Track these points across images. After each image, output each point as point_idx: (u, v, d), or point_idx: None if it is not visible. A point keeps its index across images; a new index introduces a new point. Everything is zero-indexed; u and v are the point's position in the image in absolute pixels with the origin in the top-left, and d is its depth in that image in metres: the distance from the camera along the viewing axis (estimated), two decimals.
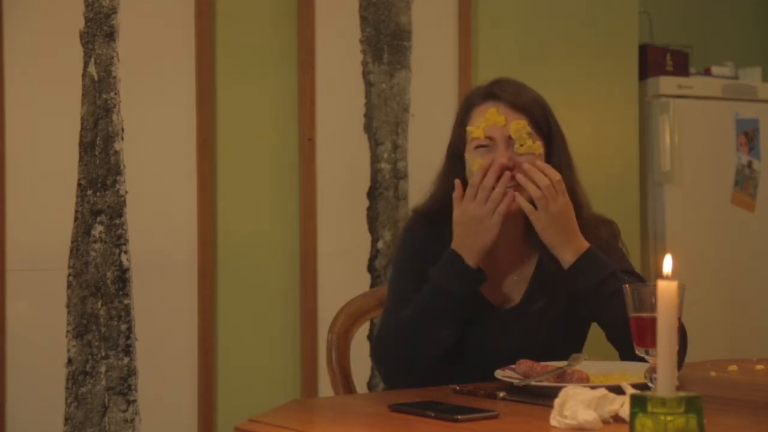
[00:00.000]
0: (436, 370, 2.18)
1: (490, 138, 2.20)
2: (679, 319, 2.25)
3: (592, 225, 2.27)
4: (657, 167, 4.29)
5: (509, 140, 2.19)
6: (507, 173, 2.16)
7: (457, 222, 2.18)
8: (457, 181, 2.19)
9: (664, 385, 1.31)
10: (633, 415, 1.33)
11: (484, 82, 2.32)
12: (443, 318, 2.16)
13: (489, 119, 2.20)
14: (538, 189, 2.15)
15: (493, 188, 2.15)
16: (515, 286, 2.28)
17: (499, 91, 2.23)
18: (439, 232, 2.25)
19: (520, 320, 2.24)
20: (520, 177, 2.17)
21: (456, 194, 2.18)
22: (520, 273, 2.28)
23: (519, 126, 2.19)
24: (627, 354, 2.01)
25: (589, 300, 2.16)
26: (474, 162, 2.21)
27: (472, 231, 2.16)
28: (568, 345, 2.20)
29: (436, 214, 2.28)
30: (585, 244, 2.17)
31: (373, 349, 2.28)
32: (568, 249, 2.17)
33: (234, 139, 3.39)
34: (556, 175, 2.16)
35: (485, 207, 2.15)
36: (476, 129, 2.21)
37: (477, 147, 2.21)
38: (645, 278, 2.32)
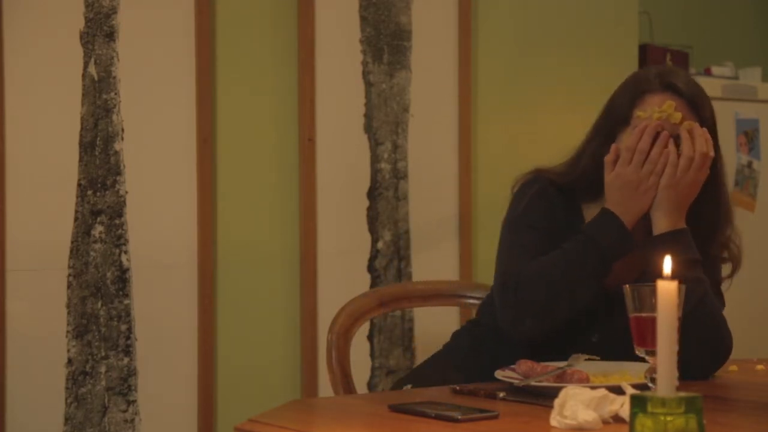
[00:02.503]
0: (545, 342, 2.15)
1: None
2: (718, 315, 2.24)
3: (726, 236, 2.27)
4: None
5: (676, 138, 2.17)
6: (665, 133, 2.15)
7: (611, 186, 2.16)
8: (614, 146, 2.17)
9: (664, 385, 1.31)
10: (633, 415, 1.33)
11: (657, 67, 2.29)
12: (590, 271, 2.13)
13: (665, 111, 2.17)
14: (692, 149, 2.15)
15: (650, 151, 2.14)
16: (627, 266, 2.23)
17: (681, 86, 2.20)
18: (568, 200, 2.25)
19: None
20: (683, 130, 2.16)
21: (610, 157, 2.17)
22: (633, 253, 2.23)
23: (691, 126, 2.18)
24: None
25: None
26: None
27: (628, 195, 2.15)
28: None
29: (568, 183, 2.26)
30: (683, 224, 2.17)
31: (504, 291, 2.16)
32: (668, 218, 2.16)
33: (234, 139, 3.39)
34: (711, 152, 2.16)
35: (642, 171, 2.14)
36: (648, 118, 2.18)
37: None
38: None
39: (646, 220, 2.19)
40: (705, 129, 2.19)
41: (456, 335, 2.51)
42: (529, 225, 2.24)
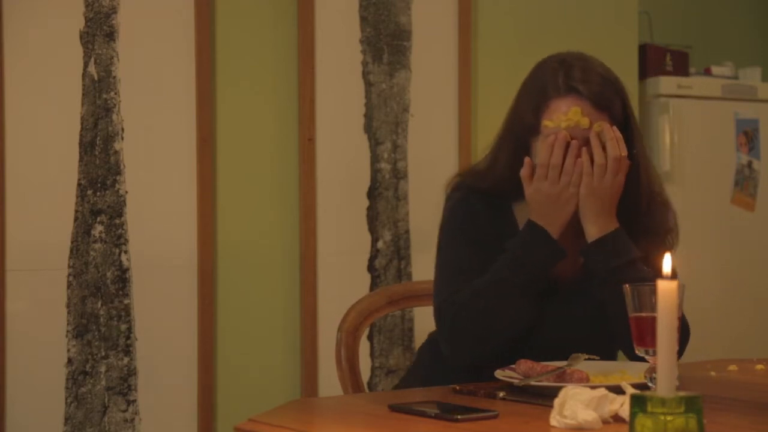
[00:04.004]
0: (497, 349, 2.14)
1: (570, 137, 2.14)
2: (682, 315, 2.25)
3: (661, 211, 2.25)
4: (657, 167, 4.28)
5: (588, 141, 2.15)
6: (574, 142, 2.12)
7: (531, 200, 2.15)
8: (528, 159, 2.15)
9: (664, 385, 1.31)
10: (633, 415, 1.33)
11: (559, 61, 2.21)
12: (523, 290, 2.12)
13: (571, 119, 2.13)
14: (604, 157, 2.13)
15: (563, 164, 2.12)
16: (575, 263, 2.23)
17: (582, 88, 2.15)
18: (497, 208, 2.22)
19: (576, 298, 2.20)
20: (593, 137, 2.13)
21: (525, 173, 2.15)
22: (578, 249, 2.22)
23: (601, 128, 2.14)
24: (628, 351, 2.01)
25: (601, 282, 2.15)
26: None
27: (550, 208, 2.13)
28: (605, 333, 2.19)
29: (492, 191, 2.23)
30: (614, 224, 2.16)
31: (440, 322, 2.17)
32: (596, 225, 2.15)
33: (234, 139, 3.39)
34: (624, 152, 2.14)
35: (559, 184, 2.12)
36: (556, 127, 2.14)
37: None
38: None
39: (574, 221, 2.18)
40: (614, 128, 2.15)
41: (419, 351, 2.47)
42: (458, 242, 2.23)
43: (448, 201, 2.30)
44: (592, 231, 2.16)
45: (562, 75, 2.17)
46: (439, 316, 2.18)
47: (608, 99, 2.17)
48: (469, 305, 2.13)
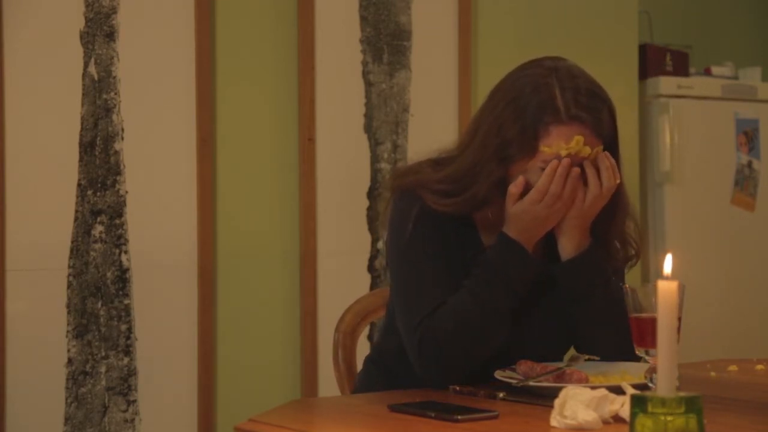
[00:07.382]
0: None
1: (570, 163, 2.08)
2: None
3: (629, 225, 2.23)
4: (657, 167, 4.29)
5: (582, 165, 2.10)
6: (575, 170, 2.07)
7: (516, 218, 2.09)
8: (523, 179, 2.08)
9: (664, 385, 1.32)
10: (633, 415, 1.33)
11: (548, 67, 2.15)
12: (505, 308, 2.09)
13: (573, 148, 2.06)
14: (599, 187, 2.09)
15: (562, 194, 2.07)
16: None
17: (587, 116, 2.06)
18: (461, 221, 2.16)
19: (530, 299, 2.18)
20: (589, 165, 2.09)
21: (516, 190, 2.08)
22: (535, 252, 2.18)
23: (597, 154, 2.09)
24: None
25: (573, 298, 2.14)
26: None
27: (534, 226, 2.10)
28: (563, 339, 2.19)
29: (458, 207, 2.13)
30: (588, 241, 2.16)
31: (421, 344, 2.06)
32: (573, 242, 2.13)
33: (234, 139, 3.39)
34: (618, 179, 2.11)
35: (551, 208, 2.08)
36: (555, 153, 2.06)
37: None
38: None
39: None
40: (608, 154, 2.10)
41: (366, 375, 2.34)
42: (424, 254, 2.12)
43: (405, 207, 2.16)
44: (569, 248, 2.14)
45: (566, 97, 2.09)
46: (420, 342, 2.07)
47: (607, 125, 2.11)
48: (456, 328, 2.06)
